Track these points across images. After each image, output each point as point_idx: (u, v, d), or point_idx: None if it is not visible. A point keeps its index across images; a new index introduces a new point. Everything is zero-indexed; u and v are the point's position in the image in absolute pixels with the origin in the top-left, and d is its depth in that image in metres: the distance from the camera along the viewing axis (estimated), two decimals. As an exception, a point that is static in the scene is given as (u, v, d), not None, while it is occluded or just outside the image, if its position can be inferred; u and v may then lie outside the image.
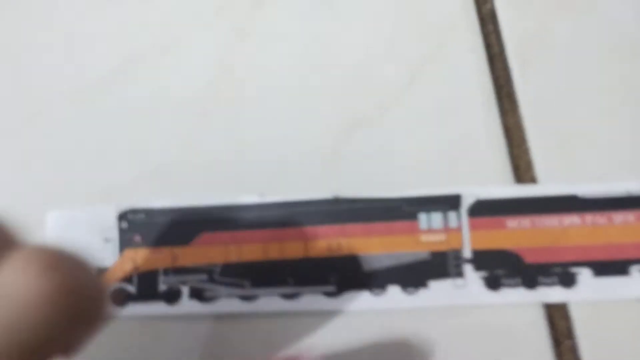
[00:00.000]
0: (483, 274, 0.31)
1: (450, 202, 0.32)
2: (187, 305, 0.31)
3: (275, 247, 0.32)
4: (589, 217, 0.31)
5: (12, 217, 0.20)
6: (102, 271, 0.32)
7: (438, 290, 0.31)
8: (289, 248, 0.32)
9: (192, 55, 0.35)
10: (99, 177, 0.33)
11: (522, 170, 0.32)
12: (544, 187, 0.32)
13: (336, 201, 0.32)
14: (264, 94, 0.34)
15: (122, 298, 0.32)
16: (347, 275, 0.31)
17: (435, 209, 0.32)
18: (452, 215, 0.31)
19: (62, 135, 0.34)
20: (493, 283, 0.31)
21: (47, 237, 0.32)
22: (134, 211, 0.32)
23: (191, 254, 0.32)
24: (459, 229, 0.31)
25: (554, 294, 0.30)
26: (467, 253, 0.31)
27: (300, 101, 0.34)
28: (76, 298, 0.19)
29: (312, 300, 0.31)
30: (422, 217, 0.32)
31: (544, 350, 0.29)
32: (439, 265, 0.31)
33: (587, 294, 0.30)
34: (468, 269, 0.31)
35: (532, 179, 0.32)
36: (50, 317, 0.19)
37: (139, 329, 0.31)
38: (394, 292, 0.31)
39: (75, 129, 0.34)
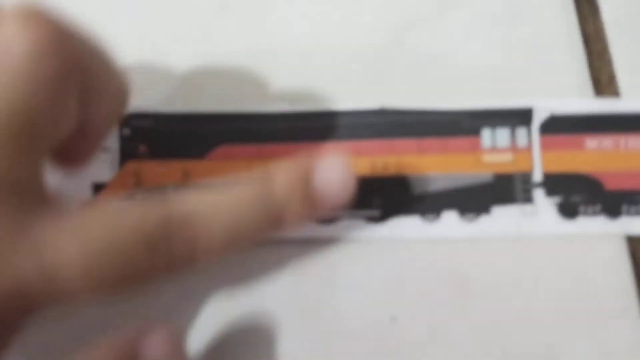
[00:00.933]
0: (556, 200, 0.27)
1: (519, 117, 0.27)
2: (201, 227, 0.27)
3: (309, 165, 0.27)
4: (682, 139, 0.27)
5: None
6: (97, 187, 0.27)
7: (502, 217, 0.27)
8: (325, 165, 0.27)
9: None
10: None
11: (603, 84, 0.28)
12: (629, 103, 0.28)
13: (383, 112, 0.27)
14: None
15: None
16: (394, 198, 0.27)
17: (502, 124, 0.27)
18: (521, 132, 0.27)
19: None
20: (568, 211, 0.27)
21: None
22: (139, 115, 0.28)
23: (207, 170, 0.27)
24: (528, 149, 0.27)
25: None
26: (537, 176, 0.27)
27: (343, -8, 0.29)
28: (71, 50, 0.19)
29: (351, 226, 0.27)
30: (486, 133, 0.27)
31: (625, 287, 0.25)
32: (504, 190, 0.27)
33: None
34: (539, 194, 0.27)
35: (615, 94, 0.28)
36: (49, 76, 0.18)
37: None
38: (449, 218, 0.27)
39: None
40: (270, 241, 0.25)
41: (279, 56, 0.28)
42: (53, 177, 0.26)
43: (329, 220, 0.27)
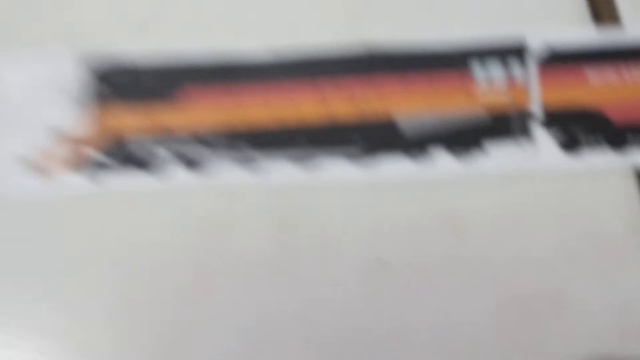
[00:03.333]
0: (558, 135, 0.26)
1: (512, 48, 0.27)
2: (171, 174, 0.26)
3: (285, 105, 0.26)
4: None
5: None
6: (57, 133, 0.26)
7: (498, 154, 0.26)
8: (303, 106, 0.26)
9: None
10: (55, 12, 0.28)
11: (601, 10, 0.27)
12: (632, 31, 0.27)
13: (364, 47, 0.27)
14: None
15: (86, 167, 0.26)
16: (378, 136, 0.26)
17: (494, 57, 0.26)
18: (515, 65, 0.26)
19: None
20: (570, 145, 0.26)
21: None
22: (100, 58, 0.27)
23: (175, 113, 0.26)
24: (525, 83, 0.26)
25: (649, 158, 0.25)
26: (536, 111, 0.26)
27: None
28: None
29: (333, 168, 0.26)
30: (476, 67, 0.26)
31: (635, 224, 0.24)
32: (499, 125, 0.26)
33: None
34: (538, 129, 0.26)
35: (615, 22, 0.27)
36: None
37: (115, 206, 0.26)
38: (439, 156, 0.26)
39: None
40: (248, 184, 0.24)
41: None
42: (8, 123, 0.25)
43: (306, 160, 0.26)
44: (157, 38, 0.27)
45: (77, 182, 0.26)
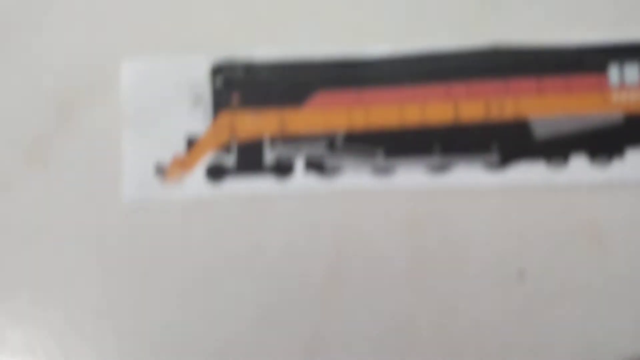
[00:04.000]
0: (700, 140, 0.25)
1: (651, 50, 0.26)
2: (302, 180, 0.27)
3: (415, 109, 0.27)
4: None
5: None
6: (191, 139, 0.27)
7: (638, 161, 0.25)
8: (434, 110, 0.27)
9: None
10: (188, 20, 0.28)
11: None
12: None
13: (495, 51, 0.27)
14: None
15: (218, 172, 0.27)
16: (513, 142, 0.26)
17: (631, 59, 0.26)
18: (654, 66, 0.26)
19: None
20: None
21: (121, 94, 0.27)
22: (232, 64, 0.28)
23: (305, 118, 0.27)
24: (663, 85, 0.26)
25: None
26: (675, 115, 0.26)
27: None
28: None
29: (467, 174, 0.26)
30: (613, 70, 0.26)
31: None
32: (637, 131, 0.26)
33: None
34: (679, 134, 0.26)
35: None
36: None
37: (241, 210, 0.27)
38: (578, 163, 0.26)
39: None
40: (378, 190, 0.25)
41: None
42: (148, 132, 0.26)
43: (439, 167, 0.26)
44: (286, 44, 0.27)
45: (206, 186, 0.27)
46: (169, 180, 0.27)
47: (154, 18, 0.28)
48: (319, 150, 0.27)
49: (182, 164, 0.27)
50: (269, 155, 0.27)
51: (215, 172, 0.27)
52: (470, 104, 0.26)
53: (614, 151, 0.25)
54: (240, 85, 0.27)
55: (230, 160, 0.27)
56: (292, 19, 0.28)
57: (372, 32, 0.27)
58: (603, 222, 0.24)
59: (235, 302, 0.25)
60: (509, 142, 0.26)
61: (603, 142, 0.25)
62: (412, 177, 0.26)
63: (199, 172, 0.27)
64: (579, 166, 0.25)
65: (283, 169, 0.27)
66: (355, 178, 0.26)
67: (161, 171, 0.27)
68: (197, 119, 0.27)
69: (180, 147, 0.27)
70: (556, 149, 0.25)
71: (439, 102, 0.26)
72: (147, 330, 0.26)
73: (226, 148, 0.27)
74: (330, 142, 0.26)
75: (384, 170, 0.26)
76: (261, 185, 0.27)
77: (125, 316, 0.26)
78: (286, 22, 0.28)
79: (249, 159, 0.27)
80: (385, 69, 0.27)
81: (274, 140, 0.27)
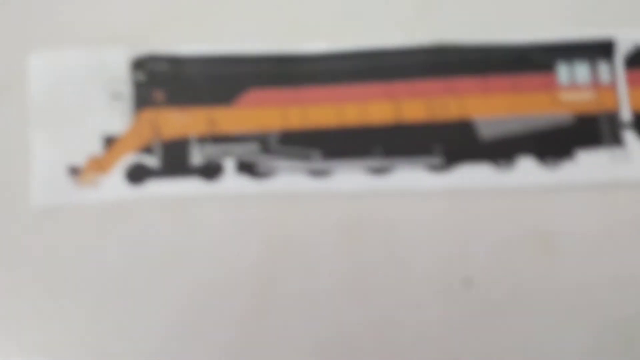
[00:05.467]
0: (650, 140, 0.25)
1: (600, 49, 0.26)
2: (232, 182, 0.25)
3: (354, 109, 0.26)
4: None
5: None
6: (108, 139, 0.25)
7: (588, 163, 0.25)
8: (374, 110, 0.26)
9: None
10: (107, 11, 0.27)
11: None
12: None
13: (439, 49, 0.26)
14: None
15: (140, 174, 0.26)
16: (457, 143, 0.25)
17: (580, 58, 0.26)
18: (603, 66, 0.26)
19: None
20: (665, 152, 0.25)
21: (30, 90, 0.26)
22: (155, 58, 0.26)
23: (236, 117, 0.26)
24: (613, 85, 0.26)
25: None
26: (626, 115, 0.25)
27: None
28: None
29: (409, 176, 0.25)
30: (562, 69, 0.26)
31: None
32: (587, 132, 0.25)
33: None
34: (629, 136, 0.25)
35: None
36: None
37: (164, 214, 0.25)
38: (526, 165, 0.25)
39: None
40: (315, 192, 0.23)
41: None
42: (60, 132, 0.25)
43: (380, 169, 0.25)
44: (216, 40, 0.26)
45: (126, 189, 0.25)
46: (83, 183, 0.25)
47: (65, 8, 0.26)
48: (251, 150, 0.25)
49: (99, 165, 0.25)
50: (197, 156, 0.25)
51: (136, 174, 0.25)
52: (413, 104, 0.25)
53: (563, 153, 0.25)
54: (165, 81, 0.26)
55: (153, 161, 0.25)
56: (223, 11, 0.26)
57: (308, 27, 0.26)
58: (552, 227, 0.24)
59: (157, 312, 0.24)
60: (453, 143, 0.25)
61: (551, 144, 0.25)
62: (351, 179, 0.25)
63: (117, 173, 0.25)
64: (527, 168, 0.24)
65: (212, 170, 0.25)
66: (290, 180, 0.25)
67: (75, 173, 0.25)
68: (115, 117, 0.25)
69: (96, 147, 0.25)
70: (502, 150, 0.25)
71: (380, 101, 0.25)
72: (56, 343, 0.23)
73: (148, 148, 0.25)
74: (264, 142, 0.25)
75: (320, 172, 0.25)
76: (187, 187, 0.25)
77: (35, 327, 0.23)
78: (217, 14, 0.26)
79: (175, 159, 0.25)
80: (322, 66, 0.26)
81: (202, 140, 0.25)
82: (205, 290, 0.24)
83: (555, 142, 0.25)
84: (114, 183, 0.25)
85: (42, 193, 0.25)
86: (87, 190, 0.25)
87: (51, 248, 0.24)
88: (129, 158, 0.25)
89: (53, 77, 0.26)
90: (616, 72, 0.25)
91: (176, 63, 0.26)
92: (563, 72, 0.25)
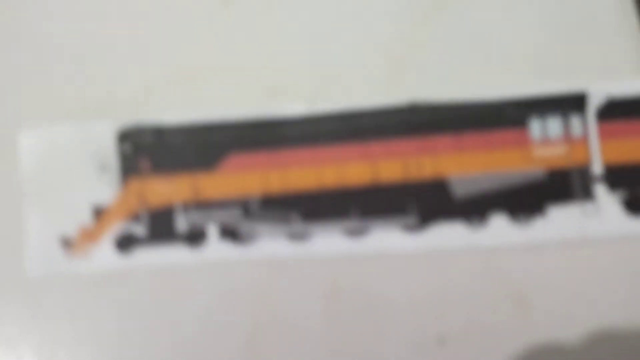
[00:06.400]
0: (621, 195, 0.26)
1: (571, 103, 0.27)
2: (215, 248, 0.27)
3: (333, 171, 0.27)
4: None
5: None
6: (97, 209, 0.27)
7: (560, 218, 0.26)
8: (352, 171, 0.27)
9: None
10: (92, 85, 0.28)
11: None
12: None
13: (413, 108, 0.27)
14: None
15: (128, 243, 0.27)
16: (431, 202, 0.26)
17: (552, 112, 0.27)
18: (575, 119, 0.27)
19: (43, 28, 0.29)
20: (636, 206, 0.26)
21: (20, 165, 0.27)
22: (140, 129, 0.28)
23: (218, 183, 0.27)
24: (584, 138, 0.26)
25: None
26: (597, 169, 0.26)
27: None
28: None
29: (385, 237, 0.26)
30: (534, 124, 0.27)
31: None
32: (559, 187, 0.26)
33: None
34: (600, 189, 0.26)
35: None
36: None
37: (152, 281, 0.26)
38: (499, 222, 0.26)
39: (60, 19, 0.29)
40: (295, 256, 0.25)
41: (292, 52, 0.28)
42: (52, 203, 0.26)
43: (357, 231, 0.26)
44: (197, 106, 0.27)
45: (116, 258, 0.27)
46: (75, 253, 0.27)
47: (53, 83, 0.28)
48: (233, 215, 0.27)
49: (89, 235, 0.27)
50: (182, 223, 0.27)
51: (125, 243, 0.27)
52: (389, 164, 0.26)
53: (534, 209, 0.26)
54: (150, 150, 0.27)
55: (140, 229, 0.27)
56: (202, 80, 0.28)
57: (286, 91, 0.27)
58: (525, 284, 0.25)
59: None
60: (428, 203, 0.26)
61: (523, 200, 0.26)
62: (329, 242, 0.26)
63: (107, 243, 0.27)
64: (499, 226, 0.25)
65: (196, 237, 0.27)
66: (271, 244, 0.26)
67: (67, 243, 0.27)
68: (103, 187, 0.27)
69: (86, 217, 0.27)
70: (476, 208, 0.26)
71: (357, 162, 0.27)
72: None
73: (136, 217, 0.27)
74: (245, 206, 0.27)
75: (299, 236, 0.26)
76: (173, 255, 0.26)
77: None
78: (196, 83, 0.28)
79: (161, 227, 0.27)
80: (300, 129, 0.27)
81: (186, 207, 0.27)
82: (195, 357, 0.25)
83: (527, 198, 0.26)
84: (104, 253, 0.26)
85: (37, 264, 0.26)
86: (79, 261, 0.26)
87: (45, 318, 0.26)
88: (118, 227, 0.27)
89: (43, 152, 0.27)
90: (588, 125, 0.26)
91: (160, 132, 0.27)
92: (535, 127, 0.26)
